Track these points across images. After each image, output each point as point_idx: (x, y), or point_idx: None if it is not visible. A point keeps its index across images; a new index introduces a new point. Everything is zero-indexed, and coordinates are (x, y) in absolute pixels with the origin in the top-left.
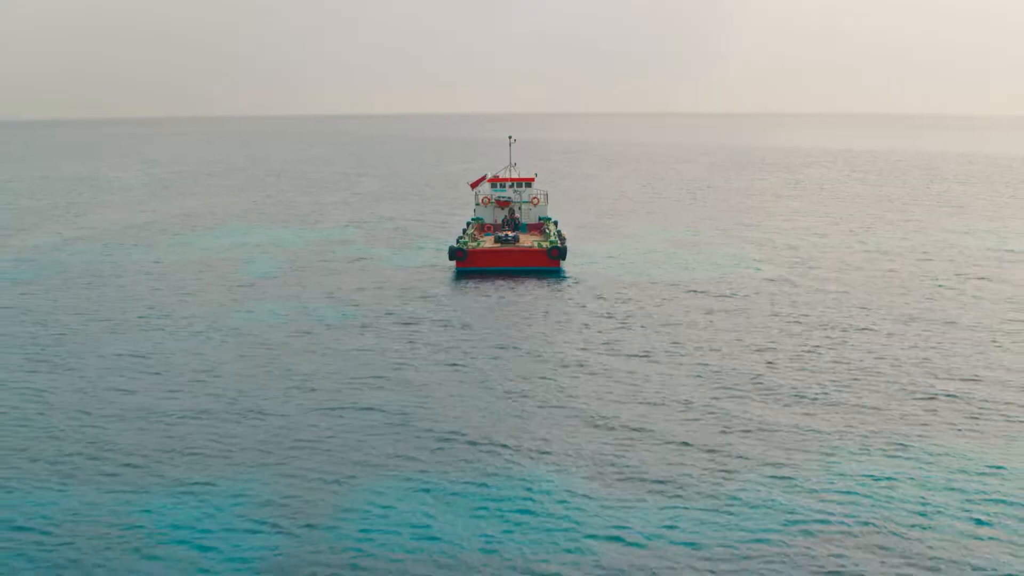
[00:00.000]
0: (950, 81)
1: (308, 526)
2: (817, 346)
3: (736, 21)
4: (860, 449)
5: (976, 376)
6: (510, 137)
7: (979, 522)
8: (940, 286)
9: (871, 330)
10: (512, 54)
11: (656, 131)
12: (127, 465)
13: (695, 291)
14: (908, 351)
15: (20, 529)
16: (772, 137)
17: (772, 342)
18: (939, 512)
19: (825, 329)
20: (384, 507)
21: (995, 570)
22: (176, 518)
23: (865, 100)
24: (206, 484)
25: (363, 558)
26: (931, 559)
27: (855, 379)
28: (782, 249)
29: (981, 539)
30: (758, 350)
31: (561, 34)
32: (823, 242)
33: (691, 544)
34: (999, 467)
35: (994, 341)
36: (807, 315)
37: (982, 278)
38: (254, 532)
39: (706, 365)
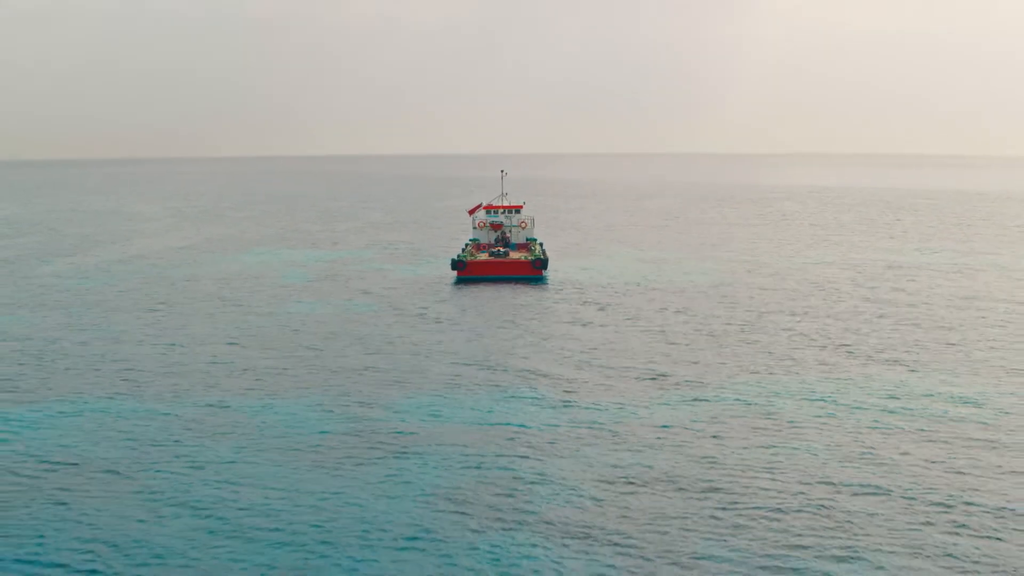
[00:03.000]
0: (941, 122)
1: (364, 413)
2: (740, 324)
3: (735, 65)
4: (756, 379)
5: (851, 340)
6: (502, 171)
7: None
8: (849, 291)
9: (784, 313)
10: (512, 97)
11: (648, 170)
12: (242, 383)
13: (652, 289)
14: (807, 324)
15: (166, 426)
16: (759, 175)
17: (708, 317)
18: (797, 410)
19: (748, 313)
20: (418, 406)
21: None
22: (273, 412)
23: (858, 141)
24: (286, 396)
25: (408, 430)
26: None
27: (761, 341)
28: (731, 263)
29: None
30: (699, 318)
31: (561, 78)
32: (766, 258)
33: (638, 418)
34: (848, 392)
35: (880, 317)
36: (735, 304)
37: (893, 288)
38: (323, 418)
39: (653, 334)
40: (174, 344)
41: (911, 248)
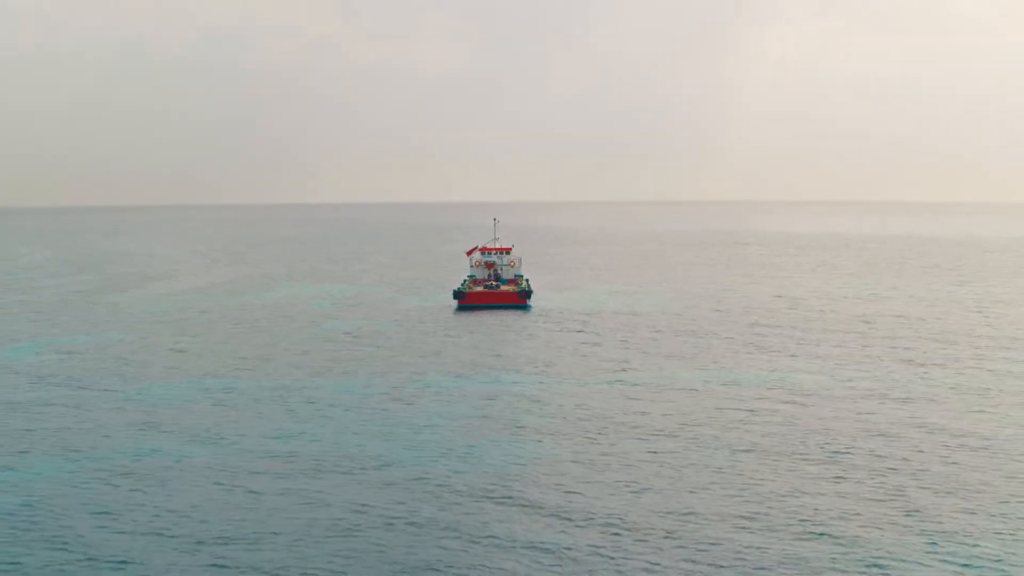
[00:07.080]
0: (933, 169)
1: (407, 382)
2: (683, 330)
3: (733, 113)
4: (684, 362)
5: (755, 340)
6: (494, 219)
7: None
8: (769, 311)
9: (713, 323)
10: (513, 145)
11: (641, 217)
12: (322, 366)
13: (617, 312)
14: (727, 329)
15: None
16: (743, 222)
17: (659, 328)
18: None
19: (689, 324)
20: (443, 378)
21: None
22: (348, 382)
23: (859, 187)
24: (352, 372)
25: (440, 388)
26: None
27: (691, 340)
28: (686, 293)
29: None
30: (652, 330)
31: (561, 127)
32: (713, 289)
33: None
34: (745, 371)
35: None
36: (681, 322)
37: (807, 308)
38: (381, 384)
39: (614, 339)
40: (265, 343)
41: (839, 283)
